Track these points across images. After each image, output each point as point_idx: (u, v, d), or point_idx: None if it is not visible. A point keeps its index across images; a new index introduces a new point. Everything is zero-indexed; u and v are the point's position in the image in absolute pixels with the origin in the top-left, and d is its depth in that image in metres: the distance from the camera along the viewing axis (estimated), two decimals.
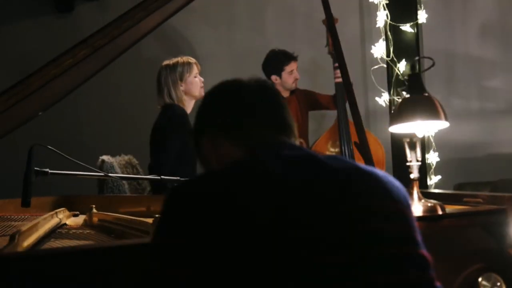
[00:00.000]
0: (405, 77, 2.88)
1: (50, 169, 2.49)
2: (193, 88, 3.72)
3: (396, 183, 1.20)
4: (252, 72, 4.95)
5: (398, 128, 1.67)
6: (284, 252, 1.03)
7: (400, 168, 3.86)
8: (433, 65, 1.65)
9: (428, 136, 2.67)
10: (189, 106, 3.73)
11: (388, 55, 3.07)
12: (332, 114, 4.83)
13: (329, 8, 2.27)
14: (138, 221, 2.24)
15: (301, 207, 1.07)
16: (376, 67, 3.13)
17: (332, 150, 4.41)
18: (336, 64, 4.52)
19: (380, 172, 1.19)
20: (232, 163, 1.20)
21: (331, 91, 4.72)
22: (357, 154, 4.37)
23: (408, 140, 1.66)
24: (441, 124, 1.64)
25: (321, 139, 4.51)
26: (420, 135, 1.62)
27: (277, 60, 4.57)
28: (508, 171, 4.99)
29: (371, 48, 3.26)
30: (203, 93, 3.74)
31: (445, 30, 5.02)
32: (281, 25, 5.99)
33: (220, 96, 1.34)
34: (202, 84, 3.77)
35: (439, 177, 2.85)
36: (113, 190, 3.33)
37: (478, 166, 4.97)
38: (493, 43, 5.60)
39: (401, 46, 3.05)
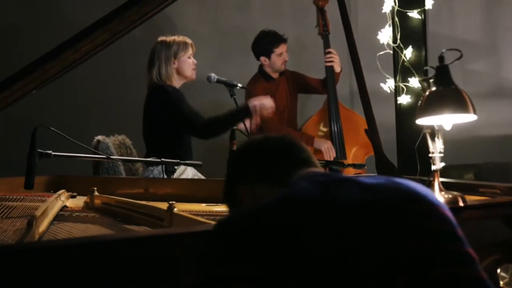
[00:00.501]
0: (410, 64, 2.88)
1: (47, 150, 2.46)
2: (185, 67, 3.69)
3: (434, 196, 1.23)
4: (237, 51, 4.95)
5: (425, 121, 1.67)
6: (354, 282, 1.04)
7: (405, 154, 3.85)
8: (460, 57, 1.66)
9: None
10: (178, 85, 3.69)
11: (395, 41, 3.06)
12: (317, 97, 4.85)
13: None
14: (143, 205, 2.23)
15: (362, 232, 1.09)
16: (382, 53, 3.12)
17: (321, 133, 4.42)
18: (328, 50, 4.53)
19: (420, 186, 1.22)
20: (276, 195, 1.24)
21: (317, 72, 4.74)
22: (347, 141, 4.40)
23: (429, 131, 1.66)
24: (469, 117, 1.64)
25: (310, 121, 4.52)
26: (448, 128, 1.62)
27: (267, 42, 4.55)
28: (492, 154, 5.07)
29: (377, 34, 3.25)
30: (194, 76, 3.74)
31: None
32: (267, 3, 5.93)
33: (248, 149, 1.52)
34: (195, 66, 3.75)
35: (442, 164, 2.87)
36: (109, 171, 3.30)
37: (462, 150, 5.03)
38: (476, 26, 5.65)
39: (408, 33, 3.05)
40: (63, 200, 2.52)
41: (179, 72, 3.69)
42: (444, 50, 1.60)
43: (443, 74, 1.61)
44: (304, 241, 1.07)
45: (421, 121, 1.65)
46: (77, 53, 1.76)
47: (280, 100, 4.52)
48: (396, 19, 2.96)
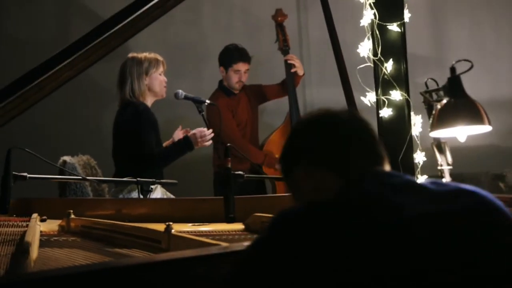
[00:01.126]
0: (391, 77, 2.90)
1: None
2: (156, 84, 3.64)
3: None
4: (189, 66, 4.89)
5: (439, 133, 1.65)
6: None
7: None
8: (471, 67, 1.65)
9: (414, 135, 2.71)
10: (150, 103, 3.63)
11: (375, 55, 3.07)
12: (278, 110, 4.84)
13: (328, 9, 2.25)
14: (134, 227, 2.14)
15: (439, 245, 1.07)
16: (362, 66, 3.12)
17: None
18: (287, 56, 4.52)
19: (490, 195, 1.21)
20: (342, 194, 1.22)
21: (268, 81, 4.74)
22: None
23: (436, 144, 1.65)
24: (484, 128, 1.64)
25: (273, 136, 4.49)
26: (462, 140, 1.61)
27: (228, 55, 4.51)
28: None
29: (355, 48, 3.25)
30: (164, 93, 3.67)
31: None
32: (217, 18, 5.89)
33: (317, 127, 1.36)
34: (165, 84, 3.69)
35: (425, 177, 2.91)
36: (76, 193, 3.18)
37: None
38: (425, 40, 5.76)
39: (388, 46, 3.06)
40: (39, 224, 2.39)
41: (150, 89, 3.62)
42: (454, 62, 1.59)
43: (455, 85, 1.60)
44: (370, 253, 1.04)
45: (434, 134, 1.64)
46: (72, 70, 1.68)
47: (241, 115, 4.48)
48: (377, 32, 2.97)
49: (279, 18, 4.64)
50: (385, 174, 1.28)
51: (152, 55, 3.69)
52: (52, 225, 2.51)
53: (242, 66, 4.49)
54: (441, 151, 1.62)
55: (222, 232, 2.17)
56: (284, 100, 4.73)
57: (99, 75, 5.17)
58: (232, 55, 4.48)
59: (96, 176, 3.48)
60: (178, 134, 3.75)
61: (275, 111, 5.11)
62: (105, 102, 5.20)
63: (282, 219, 1.17)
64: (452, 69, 1.63)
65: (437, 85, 1.83)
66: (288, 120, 4.52)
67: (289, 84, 4.50)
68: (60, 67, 2.14)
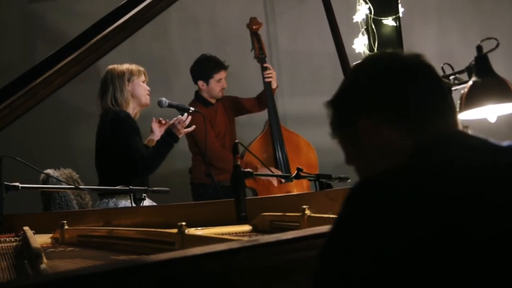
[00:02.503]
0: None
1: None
2: (140, 91, 3.55)
3: None
4: (158, 80, 4.85)
5: (468, 115, 1.61)
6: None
7: None
8: (497, 46, 1.62)
9: None
10: (133, 112, 3.52)
11: (371, 50, 3.04)
12: (256, 120, 4.77)
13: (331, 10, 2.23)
14: (144, 231, 2.03)
15: None
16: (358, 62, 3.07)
17: (266, 156, 4.33)
18: (265, 64, 4.47)
19: None
20: (420, 158, 1.08)
21: (242, 96, 4.69)
22: (291, 160, 4.34)
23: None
24: None
25: (254, 144, 4.42)
26: (492, 120, 1.57)
27: (207, 66, 4.43)
28: None
29: (349, 44, 3.22)
30: (148, 101, 3.59)
31: None
32: (184, 31, 5.83)
33: (384, 74, 1.16)
34: (149, 92, 3.60)
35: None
36: (62, 206, 3.05)
37: None
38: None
39: (383, 40, 3.04)
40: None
41: (133, 95, 3.54)
42: (480, 41, 1.56)
43: (483, 64, 1.57)
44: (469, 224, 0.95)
45: (464, 115, 1.59)
46: (63, 76, 1.61)
47: (220, 126, 4.41)
48: (373, 26, 2.94)
49: (254, 27, 4.60)
50: (463, 133, 1.14)
51: (133, 65, 3.63)
52: (43, 239, 2.39)
53: (223, 74, 4.45)
54: None
55: (231, 234, 2.09)
56: (256, 114, 4.70)
57: (71, 95, 5.11)
58: (209, 66, 4.42)
59: (80, 190, 3.35)
60: (155, 127, 3.64)
61: (247, 124, 5.06)
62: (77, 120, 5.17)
63: (362, 193, 1.05)
64: (479, 48, 1.60)
65: (452, 69, 1.79)
66: (268, 129, 4.46)
67: (267, 93, 4.44)
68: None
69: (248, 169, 2.04)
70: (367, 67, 1.22)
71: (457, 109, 1.59)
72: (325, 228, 1.44)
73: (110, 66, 3.59)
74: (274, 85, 4.52)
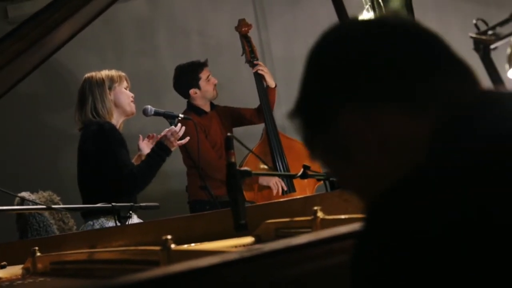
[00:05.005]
0: None
1: None
2: (123, 98, 3.23)
3: None
4: (148, 96, 4.60)
5: None
6: None
7: None
8: None
9: None
10: (117, 123, 3.20)
11: None
12: (252, 130, 4.49)
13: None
14: (115, 252, 1.71)
15: None
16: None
17: (264, 168, 4.01)
18: (254, 69, 4.19)
19: None
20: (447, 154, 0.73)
21: (234, 105, 4.42)
22: (293, 169, 4.03)
23: None
24: None
25: (250, 156, 4.10)
26: None
27: (189, 72, 4.16)
28: None
29: None
30: (133, 109, 3.27)
31: None
32: (174, 44, 5.60)
33: (357, 42, 0.83)
34: (133, 99, 3.30)
35: None
36: (40, 232, 2.72)
37: None
38: None
39: None
40: None
41: (116, 105, 3.21)
42: None
43: None
44: None
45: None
46: None
47: (215, 135, 4.10)
48: (380, 0, 2.62)
49: (243, 29, 4.33)
50: (491, 100, 0.79)
51: (113, 71, 3.31)
52: (13, 270, 2.07)
53: (207, 71, 4.19)
54: None
55: (230, 248, 1.75)
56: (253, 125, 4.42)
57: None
58: (191, 70, 4.17)
59: (62, 213, 3.01)
60: (143, 145, 3.31)
61: (244, 135, 4.79)
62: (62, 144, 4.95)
63: (381, 247, 0.69)
64: None
65: (486, 24, 1.49)
66: (265, 138, 4.17)
67: (261, 98, 4.14)
68: None
69: (246, 168, 1.71)
70: (332, 42, 0.86)
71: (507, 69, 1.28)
72: (347, 229, 1.12)
73: (88, 74, 3.27)
74: (272, 84, 4.24)
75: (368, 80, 0.80)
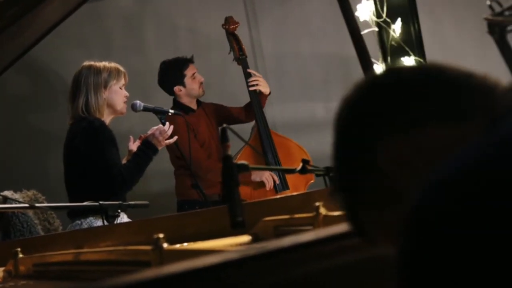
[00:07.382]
0: (401, 41, 2.42)
1: None
2: (116, 98, 3.11)
3: None
4: (137, 94, 4.51)
5: None
6: None
7: None
8: None
9: None
10: (107, 121, 3.09)
11: (379, 16, 2.60)
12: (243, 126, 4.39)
13: None
14: (103, 252, 1.61)
15: None
16: (364, 32, 2.62)
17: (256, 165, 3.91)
18: (249, 70, 4.09)
19: None
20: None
21: (224, 103, 4.32)
22: (283, 164, 3.96)
23: None
24: None
25: (243, 152, 4.00)
26: None
27: (173, 68, 4.02)
28: None
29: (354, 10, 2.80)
30: (125, 110, 3.19)
31: None
32: (161, 41, 5.51)
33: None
34: (126, 99, 3.19)
35: None
36: (24, 233, 2.61)
37: None
38: None
39: (393, 5, 2.58)
40: None
41: (109, 104, 3.09)
42: None
43: None
44: None
45: None
46: None
47: (204, 133, 3.99)
48: None
49: (231, 27, 4.22)
50: None
51: (112, 64, 3.17)
52: None
53: (193, 68, 4.05)
54: None
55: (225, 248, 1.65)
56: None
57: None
58: (175, 67, 4.02)
59: (47, 213, 2.90)
60: (134, 147, 3.20)
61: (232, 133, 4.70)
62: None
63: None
64: None
65: (500, 5, 1.40)
66: (255, 135, 4.06)
67: (254, 102, 4.05)
68: None
69: (243, 161, 1.61)
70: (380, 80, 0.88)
71: None
72: None
73: (86, 63, 3.14)
74: (266, 91, 4.12)
75: (417, 110, 0.80)
